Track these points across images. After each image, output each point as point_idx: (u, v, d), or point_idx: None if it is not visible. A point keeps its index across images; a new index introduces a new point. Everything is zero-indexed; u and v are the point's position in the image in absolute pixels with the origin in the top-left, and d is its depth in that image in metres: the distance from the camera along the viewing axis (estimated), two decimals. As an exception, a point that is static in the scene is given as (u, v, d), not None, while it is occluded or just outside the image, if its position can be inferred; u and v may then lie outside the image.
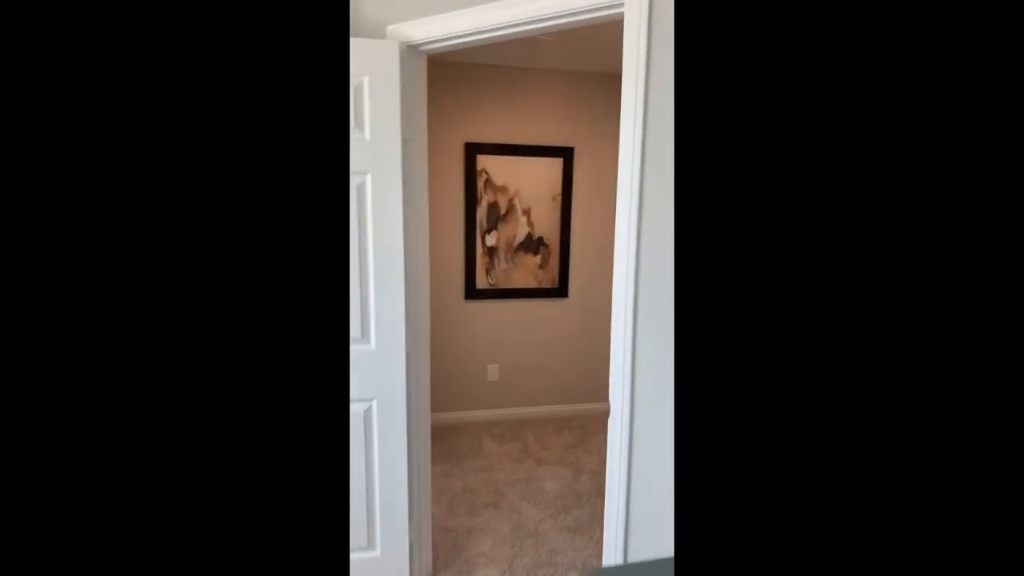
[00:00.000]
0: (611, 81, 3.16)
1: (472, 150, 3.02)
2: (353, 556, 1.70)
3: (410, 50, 1.60)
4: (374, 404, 1.63)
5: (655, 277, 1.25)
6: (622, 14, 1.24)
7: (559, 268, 3.26)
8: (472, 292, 3.15)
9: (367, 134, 1.51)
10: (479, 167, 3.05)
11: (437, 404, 3.22)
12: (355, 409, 1.63)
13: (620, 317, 1.32)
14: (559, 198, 3.19)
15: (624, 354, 1.33)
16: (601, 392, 3.45)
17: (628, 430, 1.34)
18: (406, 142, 1.60)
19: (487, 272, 3.16)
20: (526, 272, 3.21)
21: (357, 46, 1.47)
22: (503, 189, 3.10)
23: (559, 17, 1.35)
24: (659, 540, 1.31)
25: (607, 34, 2.47)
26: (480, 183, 3.07)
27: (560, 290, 3.27)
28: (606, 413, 3.43)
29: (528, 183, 3.13)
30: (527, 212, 3.15)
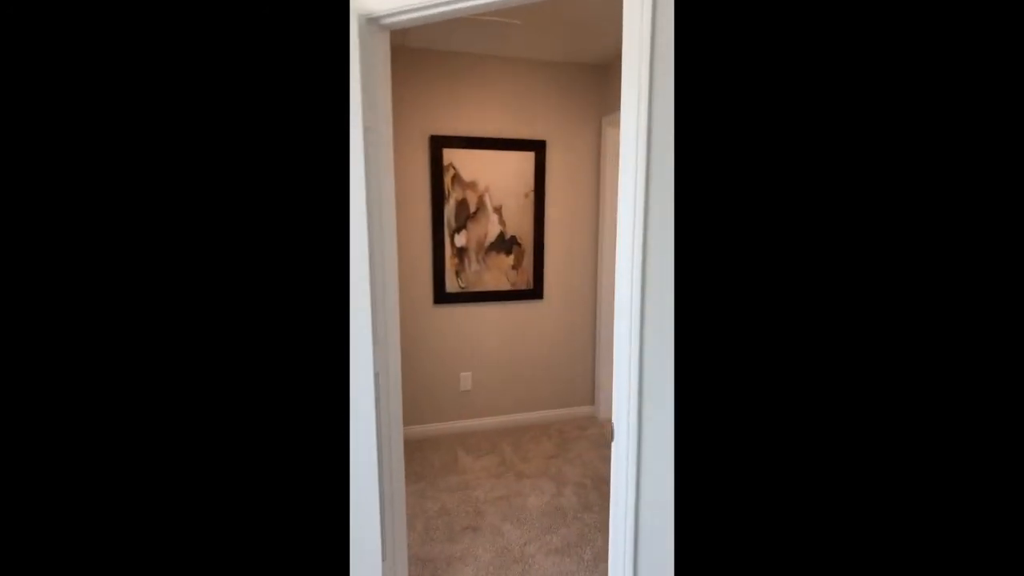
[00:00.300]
0: (584, 71, 3.01)
1: (438, 143, 2.81)
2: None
3: (370, 24, 1.39)
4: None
5: (663, 279, 1.10)
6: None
7: (533, 268, 3.09)
8: (442, 296, 2.95)
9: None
10: (446, 161, 2.85)
11: (407, 417, 3.00)
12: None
13: (624, 324, 1.16)
14: (532, 195, 3.02)
15: (629, 364, 1.17)
16: (579, 396, 3.31)
17: (636, 445, 1.18)
18: (368, 131, 1.39)
19: (457, 274, 2.96)
20: (499, 273, 3.03)
21: (307, 17, 1.25)
22: (472, 185, 2.91)
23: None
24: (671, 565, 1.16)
25: (580, 20, 2.32)
26: (447, 179, 2.87)
27: (535, 291, 3.11)
28: (585, 418, 3.29)
29: (499, 179, 2.95)
30: (498, 210, 2.97)
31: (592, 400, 3.34)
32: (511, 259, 3.04)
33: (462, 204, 2.91)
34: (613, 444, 1.23)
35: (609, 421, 3.25)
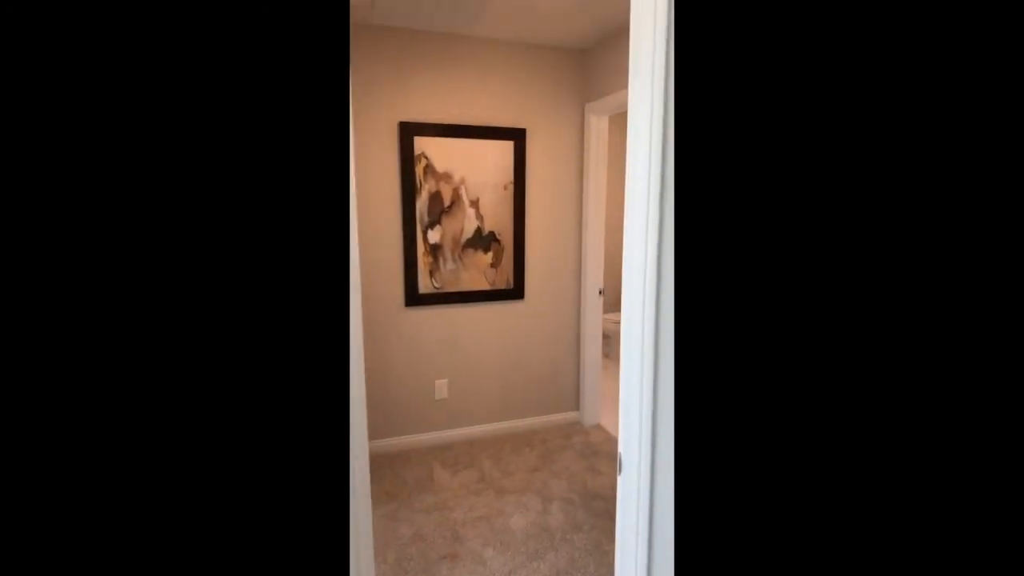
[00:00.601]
0: (565, 56, 2.80)
1: (409, 131, 2.57)
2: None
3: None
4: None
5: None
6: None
7: (514, 266, 2.88)
8: (414, 298, 2.71)
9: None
10: (417, 151, 2.61)
11: (377, 430, 2.76)
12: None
13: (635, 340, 0.95)
14: (511, 187, 2.80)
15: (641, 383, 0.96)
16: (563, 402, 3.12)
17: (649, 479, 0.98)
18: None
19: (431, 274, 2.73)
20: (476, 272, 2.81)
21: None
22: (446, 177, 2.68)
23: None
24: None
25: (562, 2, 2.11)
26: (419, 170, 2.63)
27: (515, 291, 2.90)
28: (570, 425, 3.09)
29: (475, 170, 2.72)
30: (475, 203, 2.75)
31: (577, 405, 3.14)
32: (489, 257, 2.82)
33: (435, 197, 2.68)
34: (620, 477, 1.02)
35: (595, 426, 3.07)
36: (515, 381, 2.98)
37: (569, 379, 3.11)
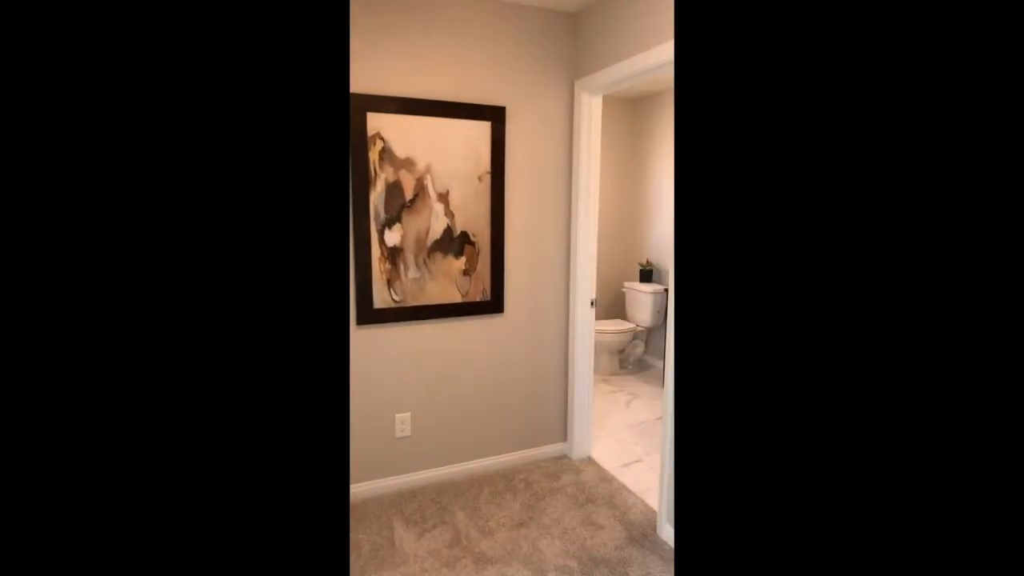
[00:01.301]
0: (553, 19, 2.33)
1: (360, 105, 2.04)
2: None
3: None
4: None
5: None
6: None
7: (491, 274, 2.38)
8: (368, 314, 2.18)
9: None
10: (371, 130, 2.08)
11: (323, 478, 2.21)
12: None
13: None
14: (488, 177, 2.31)
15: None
16: (548, 433, 2.64)
17: None
18: None
19: (389, 284, 2.20)
20: (446, 281, 2.30)
21: None
22: (408, 164, 2.16)
23: None
24: None
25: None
26: (373, 154, 2.10)
27: (493, 303, 2.40)
28: (557, 460, 2.62)
29: (444, 156, 2.21)
30: (444, 197, 2.24)
31: (564, 436, 2.68)
32: (462, 262, 2.32)
33: (394, 189, 2.15)
34: None
35: (586, 461, 2.61)
36: (492, 411, 2.49)
37: (555, 406, 2.64)
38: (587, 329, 2.56)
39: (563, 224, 2.50)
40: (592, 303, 2.54)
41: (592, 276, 2.52)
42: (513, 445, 2.56)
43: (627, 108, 4.18)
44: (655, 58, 1.90)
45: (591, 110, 2.39)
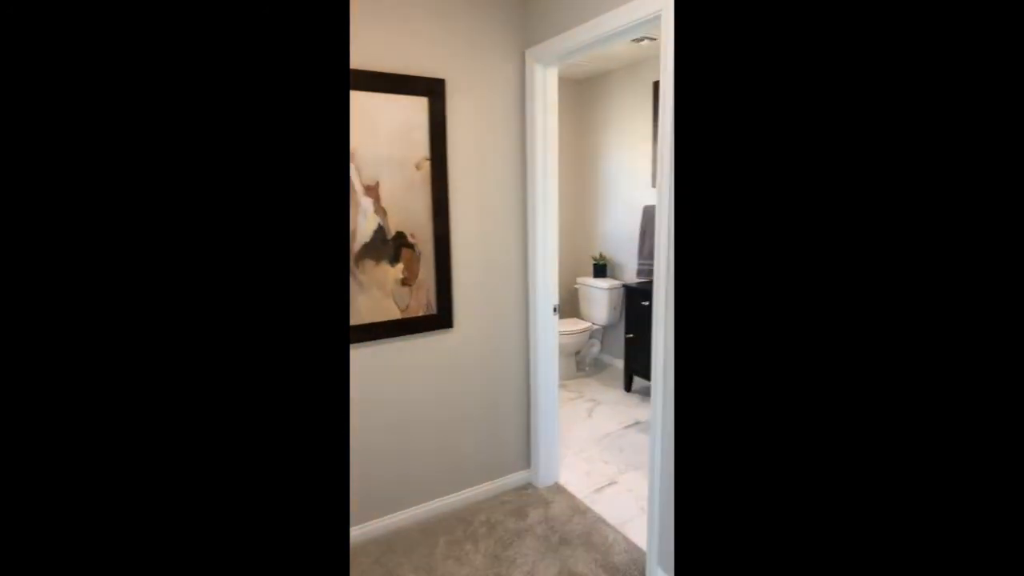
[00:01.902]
0: (496, -28, 1.94)
1: (255, 72, 1.56)
2: None
3: None
4: None
5: None
6: None
7: (437, 282, 1.98)
8: (282, 340, 1.71)
9: None
10: (273, 106, 1.61)
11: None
12: None
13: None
14: (427, 164, 1.90)
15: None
16: (510, 460, 2.29)
17: None
18: None
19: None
20: (380, 294, 1.87)
21: None
22: (325, 149, 1.71)
23: None
24: None
25: None
26: (278, 137, 1.63)
27: (439, 317, 2.00)
28: (521, 491, 2.28)
29: (371, 138, 1.78)
30: (373, 190, 1.81)
31: (527, 462, 2.34)
32: (399, 270, 1.90)
33: (309, 181, 1.69)
34: None
35: (554, 489, 2.29)
36: (445, 444, 2.10)
37: (517, 430, 2.29)
38: (550, 340, 2.22)
39: (518, 218, 2.14)
40: (555, 309, 2.20)
41: (554, 277, 2.18)
42: (471, 479, 2.19)
43: (573, 89, 3.86)
44: (618, 20, 1.57)
45: (546, 84, 2.03)
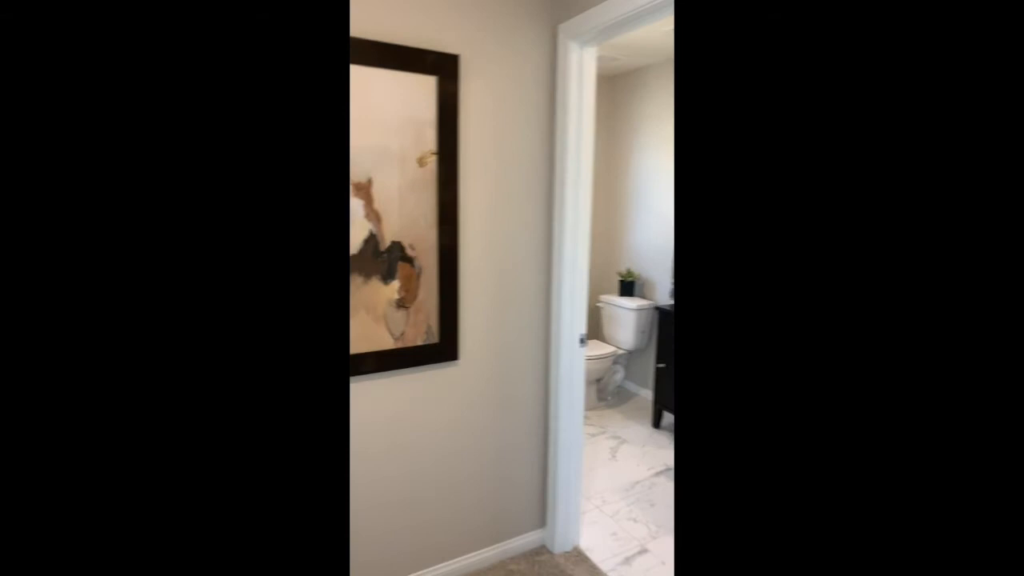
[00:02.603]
0: (525, -72, 1.58)
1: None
2: None
3: None
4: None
5: None
6: None
7: (440, 305, 1.61)
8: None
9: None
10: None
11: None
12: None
13: None
14: (433, 159, 1.54)
15: None
16: (522, 519, 1.91)
17: None
18: None
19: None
20: (370, 319, 1.51)
21: None
22: (305, 135, 1.35)
23: None
24: None
25: None
26: (244, 118, 1.28)
27: (443, 348, 1.63)
28: (532, 557, 1.89)
29: (365, 124, 1.43)
30: (364, 189, 1.45)
31: (542, 520, 1.95)
32: (394, 289, 1.54)
33: (282, 175, 1.34)
34: None
35: (573, 555, 1.89)
36: (444, 501, 1.72)
37: (531, 483, 1.90)
38: (575, 376, 1.83)
39: (541, 229, 1.77)
40: (582, 340, 1.82)
41: (582, 302, 1.80)
42: (474, 543, 1.81)
43: (602, 87, 3.50)
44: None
45: (582, 67, 1.66)
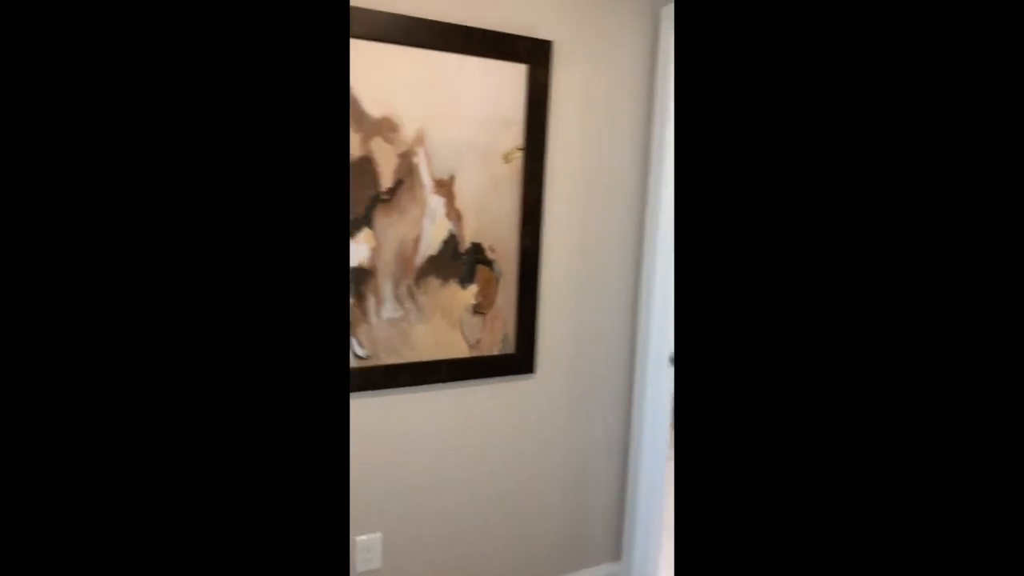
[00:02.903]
0: (631, -99, 1.43)
1: (302, 19, 1.16)
2: None
3: None
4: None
5: None
6: None
7: (518, 312, 1.49)
8: (313, 377, 1.30)
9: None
10: (322, 66, 1.20)
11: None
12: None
13: None
14: (520, 155, 1.42)
15: None
16: (594, 549, 1.75)
17: None
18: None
19: (351, 328, 1.32)
20: (445, 324, 1.42)
21: None
22: (388, 127, 1.28)
23: None
24: None
25: None
26: (327, 108, 1.22)
27: (519, 359, 1.51)
28: (605, 591, 1.73)
29: (449, 116, 1.33)
30: (446, 186, 1.36)
31: (618, 552, 1.79)
32: (472, 292, 1.43)
33: (362, 170, 1.27)
34: None
35: (651, 597, 1.72)
36: (508, 523, 1.60)
37: (606, 509, 1.75)
38: (662, 397, 1.66)
39: (632, 236, 1.61)
40: (671, 359, 1.64)
41: (673, 317, 1.62)
42: (539, 572, 1.67)
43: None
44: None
45: (686, 55, 1.49)
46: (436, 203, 1.35)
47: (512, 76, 1.37)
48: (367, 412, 1.37)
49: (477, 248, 1.42)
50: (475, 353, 1.46)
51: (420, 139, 1.31)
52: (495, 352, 1.48)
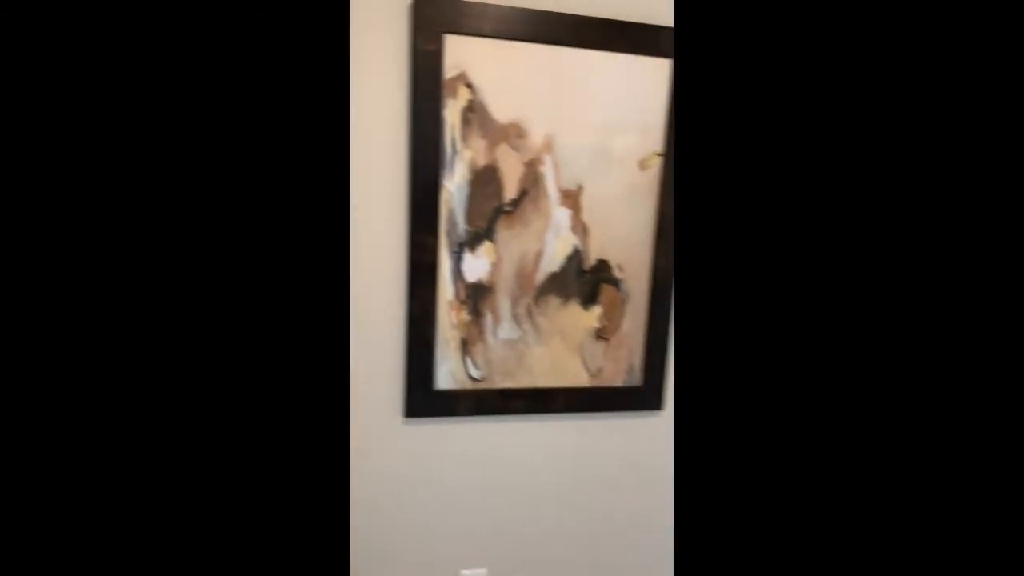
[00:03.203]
0: None
1: (431, 23, 1.09)
2: None
3: None
4: None
5: None
6: None
7: (647, 339, 1.32)
8: (425, 399, 1.22)
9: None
10: (451, 68, 1.12)
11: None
12: None
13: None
14: (659, 161, 1.26)
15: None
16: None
17: None
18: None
19: (466, 349, 1.23)
20: (564, 348, 1.28)
21: None
22: (514, 133, 1.17)
23: None
24: None
25: None
26: (453, 113, 1.14)
27: (647, 393, 1.34)
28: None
29: (579, 119, 1.20)
30: (573, 196, 1.23)
31: (747, 620, 1.54)
32: (595, 315, 1.29)
33: (486, 179, 1.18)
34: None
35: None
36: (629, 565, 1.43)
37: (737, 569, 1.50)
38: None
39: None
40: (829, 402, 1.37)
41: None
42: (657, 630, 1.48)
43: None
44: None
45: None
46: (561, 215, 1.22)
47: (654, 72, 1.21)
48: (476, 438, 1.27)
49: (603, 265, 1.27)
50: (596, 383, 1.31)
51: (548, 146, 1.19)
52: (619, 383, 1.32)
